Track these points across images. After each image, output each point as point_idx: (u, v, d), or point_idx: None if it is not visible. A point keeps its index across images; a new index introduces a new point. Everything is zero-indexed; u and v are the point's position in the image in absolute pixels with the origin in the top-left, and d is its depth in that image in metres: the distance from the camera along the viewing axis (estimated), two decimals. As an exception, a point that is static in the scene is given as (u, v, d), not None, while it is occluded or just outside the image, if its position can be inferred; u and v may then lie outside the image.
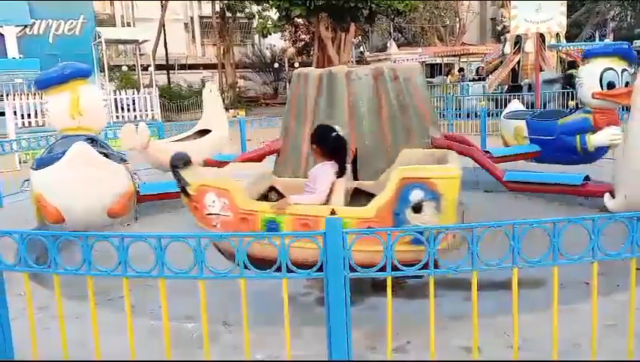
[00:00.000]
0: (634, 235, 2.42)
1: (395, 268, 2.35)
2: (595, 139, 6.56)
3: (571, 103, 11.21)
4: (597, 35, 21.35)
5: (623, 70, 6.39)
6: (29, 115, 15.65)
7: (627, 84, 6.30)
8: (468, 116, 15.88)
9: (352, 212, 3.75)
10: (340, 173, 4.07)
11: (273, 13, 25.64)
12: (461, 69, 24.87)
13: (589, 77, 6.55)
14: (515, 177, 5.44)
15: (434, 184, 3.48)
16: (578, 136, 6.67)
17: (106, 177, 4.93)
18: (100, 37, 20.35)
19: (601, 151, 6.61)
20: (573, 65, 16.37)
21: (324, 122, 5.77)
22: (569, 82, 15.64)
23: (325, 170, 4.07)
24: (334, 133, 4.16)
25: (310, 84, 5.96)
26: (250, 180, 4.30)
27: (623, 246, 2.47)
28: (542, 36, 17.37)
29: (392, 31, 34.10)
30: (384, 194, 3.63)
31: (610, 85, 6.41)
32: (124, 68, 27.20)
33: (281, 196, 4.56)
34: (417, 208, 3.52)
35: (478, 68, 23.90)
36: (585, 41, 24.41)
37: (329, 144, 4.16)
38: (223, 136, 7.87)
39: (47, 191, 4.94)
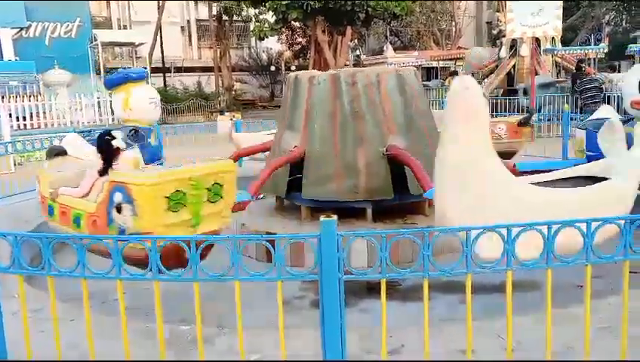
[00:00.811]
0: (627, 238, 2.44)
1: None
2: None
3: (566, 107, 11.18)
4: (592, 40, 21.39)
5: None
6: (24, 118, 15.62)
7: None
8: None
9: (85, 206, 4.24)
10: (103, 173, 4.48)
11: (270, 17, 25.63)
12: (455, 72, 24.90)
13: (628, 82, 5.66)
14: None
15: (130, 189, 3.69)
16: None
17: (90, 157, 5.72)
18: (96, 39, 20.32)
19: None
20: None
21: (289, 124, 5.93)
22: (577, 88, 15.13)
23: (92, 169, 4.65)
24: (106, 138, 4.61)
25: (290, 87, 6.13)
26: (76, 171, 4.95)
27: (616, 249, 2.48)
28: (537, 40, 17.44)
29: (388, 34, 34.13)
30: (102, 193, 4.03)
31: None
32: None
33: None
34: (119, 209, 3.78)
35: (473, 72, 23.93)
36: (580, 45, 24.49)
37: (99, 147, 4.65)
38: None
39: None
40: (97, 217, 3.97)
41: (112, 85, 7.52)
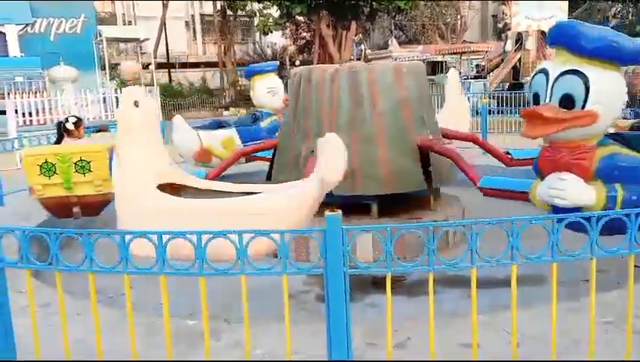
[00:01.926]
0: (632, 232, 2.43)
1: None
2: (536, 192, 4.22)
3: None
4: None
5: (564, 73, 3.79)
6: (30, 114, 15.69)
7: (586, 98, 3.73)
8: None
9: None
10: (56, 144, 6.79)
11: (274, 11, 25.65)
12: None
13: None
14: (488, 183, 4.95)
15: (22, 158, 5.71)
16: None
17: (185, 136, 7.95)
18: (100, 35, 20.37)
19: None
20: None
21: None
22: None
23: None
24: (61, 121, 6.97)
25: None
26: None
27: (621, 243, 2.48)
28: (543, 33, 17.37)
29: (393, 28, 34.07)
30: None
31: (535, 98, 4.04)
32: (125, 66, 27.20)
33: None
34: None
35: (477, 65, 23.85)
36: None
37: (57, 126, 7.06)
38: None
39: None
40: None
41: (247, 76, 9.95)
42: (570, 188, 3.77)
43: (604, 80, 3.70)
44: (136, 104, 3.94)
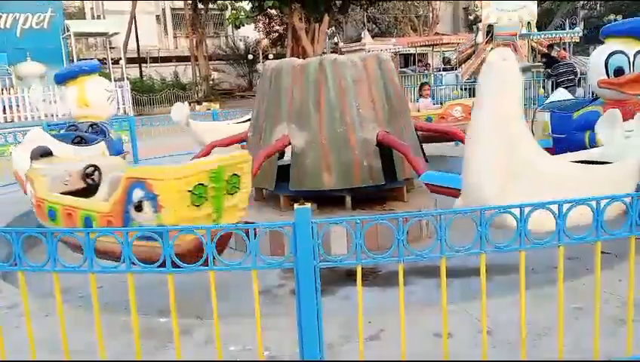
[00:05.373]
0: (600, 219, 2.46)
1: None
2: None
3: (541, 92, 11.28)
4: (567, 24, 21.60)
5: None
6: (-2, 110, 15.34)
7: None
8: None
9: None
10: None
11: (246, 4, 25.41)
12: (427, 63, 25.05)
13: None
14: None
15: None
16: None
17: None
18: (68, 30, 19.97)
19: None
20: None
21: None
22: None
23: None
24: None
25: None
26: None
27: (588, 231, 2.51)
28: (514, 25, 17.52)
29: (365, 21, 34.04)
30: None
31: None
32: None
33: None
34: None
35: (443, 58, 24.10)
36: (555, 29, 24.70)
37: None
38: None
39: None
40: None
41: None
42: None
43: None
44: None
